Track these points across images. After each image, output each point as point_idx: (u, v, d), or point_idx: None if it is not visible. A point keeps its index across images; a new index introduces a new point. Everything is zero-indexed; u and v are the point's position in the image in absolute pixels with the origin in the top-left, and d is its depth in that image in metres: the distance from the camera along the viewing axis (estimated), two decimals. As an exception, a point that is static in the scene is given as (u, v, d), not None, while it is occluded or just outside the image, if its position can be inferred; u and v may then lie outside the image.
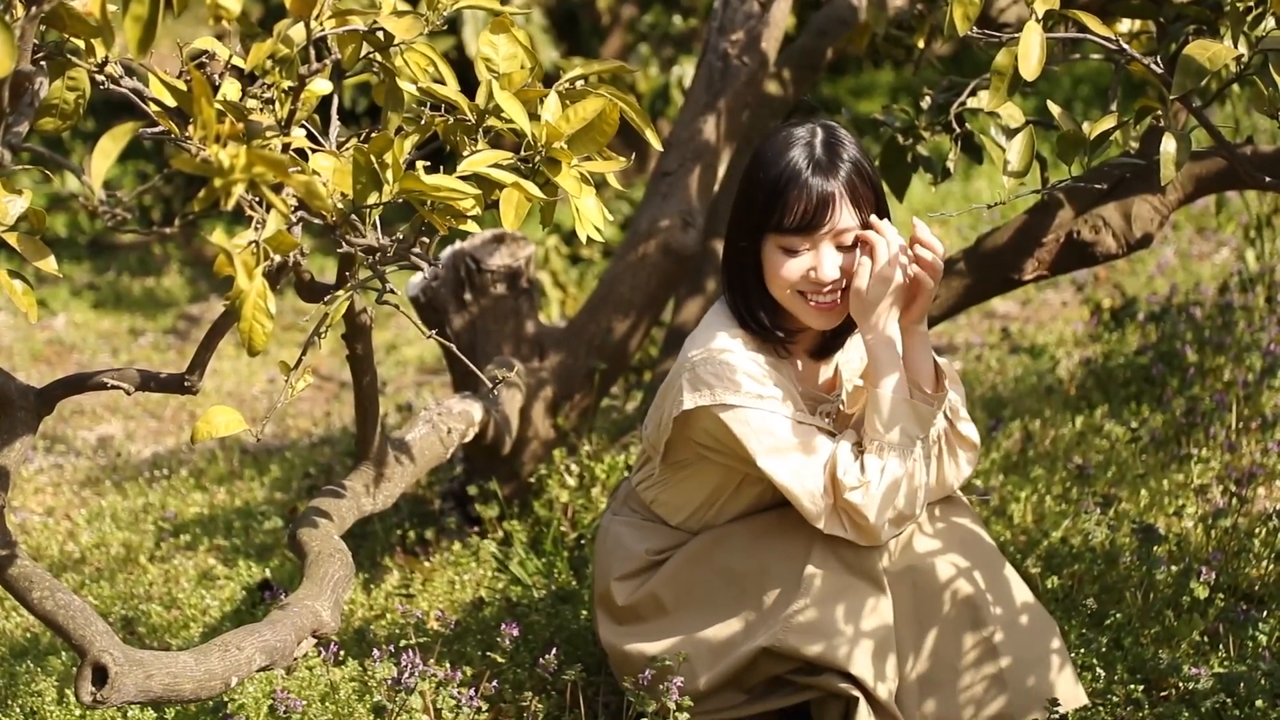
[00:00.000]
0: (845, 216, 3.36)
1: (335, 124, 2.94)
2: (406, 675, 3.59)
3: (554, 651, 3.76)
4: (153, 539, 5.33)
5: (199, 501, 5.66)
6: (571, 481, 4.80)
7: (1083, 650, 3.94)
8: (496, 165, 2.85)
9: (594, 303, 5.01)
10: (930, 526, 3.58)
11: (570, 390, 4.96)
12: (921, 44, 4.60)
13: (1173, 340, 5.80)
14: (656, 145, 3.09)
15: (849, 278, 3.40)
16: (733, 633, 3.55)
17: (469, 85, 2.96)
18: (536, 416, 4.90)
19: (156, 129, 2.69)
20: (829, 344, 3.58)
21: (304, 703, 3.70)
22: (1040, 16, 3.17)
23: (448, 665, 3.94)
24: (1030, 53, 3.14)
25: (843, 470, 3.36)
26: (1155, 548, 4.18)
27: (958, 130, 4.12)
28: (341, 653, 3.97)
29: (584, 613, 4.24)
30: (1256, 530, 4.44)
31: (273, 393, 7.31)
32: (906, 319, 3.43)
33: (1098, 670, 3.86)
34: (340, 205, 2.73)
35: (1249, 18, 3.24)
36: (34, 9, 2.42)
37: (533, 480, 4.88)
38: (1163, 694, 3.88)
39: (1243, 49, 3.21)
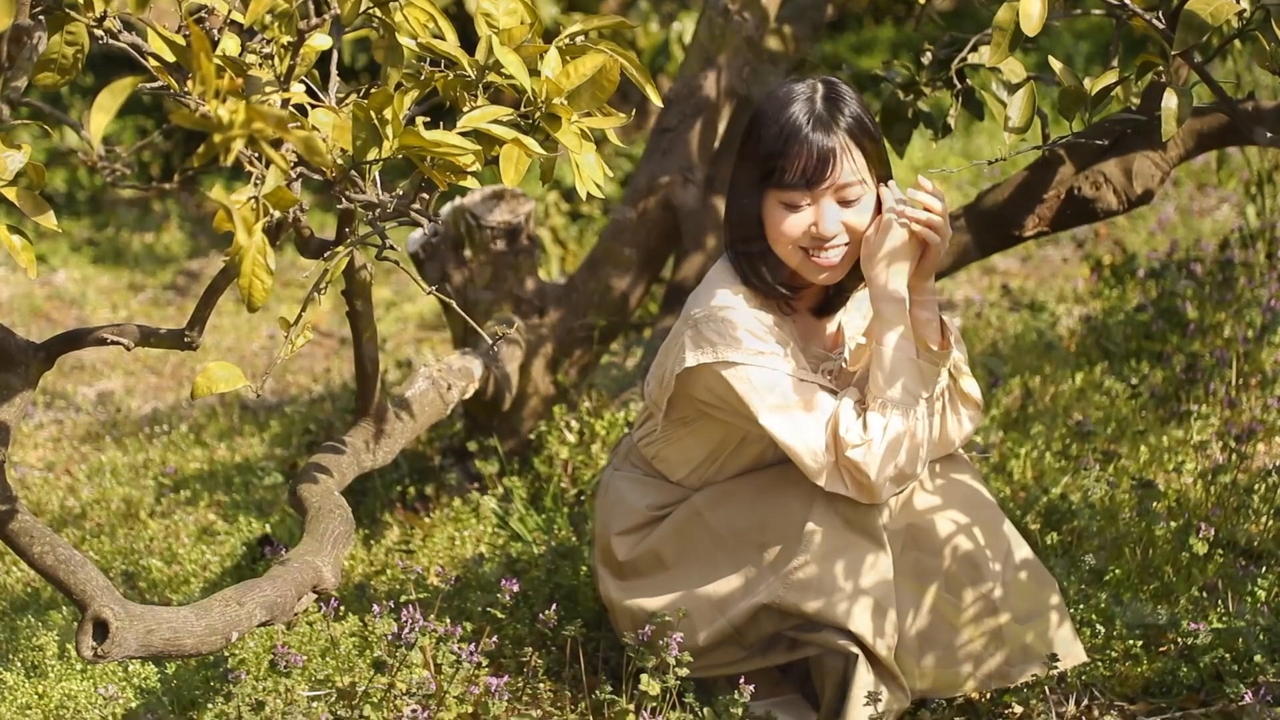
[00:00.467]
0: (847, 171, 3.34)
1: (335, 80, 2.94)
2: (407, 630, 3.60)
3: (554, 607, 3.77)
4: (153, 494, 5.34)
5: (199, 457, 5.66)
6: (571, 438, 4.81)
7: (1082, 606, 3.95)
8: (496, 121, 2.84)
9: (594, 259, 5.01)
10: (930, 483, 3.58)
11: (570, 347, 4.96)
12: (922, 0, 4.59)
13: (1173, 297, 5.80)
14: (656, 101, 3.08)
15: (852, 234, 3.39)
16: (732, 589, 3.55)
17: (469, 41, 2.95)
18: (537, 373, 4.90)
19: (155, 84, 2.69)
20: (832, 301, 3.57)
21: (304, 657, 3.71)
22: (1042, -28, 3.15)
23: (448, 621, 3.95)
24: (1031, 9, 3.13)
25: (845, 428, 3.35)
26: (1154, 504, 4.19)
27: (958, 86, 4.11)
28: (342, 608, 3.98)
29: (584, 569, 4.25)
30: (1255, 486, 4.45)
31: (272, 348, 7.32)
32: (915, 277, 3.42)
33: (1097, 626, 3.87)
34: (340, 161, 2.73)
35: (1252, -28, 3.23)
36: (32, -37, 2.42)
37: (533, 437, 4.88)
38: (1161, 649, 3.90)
39: (1245, 4, 3.19)
